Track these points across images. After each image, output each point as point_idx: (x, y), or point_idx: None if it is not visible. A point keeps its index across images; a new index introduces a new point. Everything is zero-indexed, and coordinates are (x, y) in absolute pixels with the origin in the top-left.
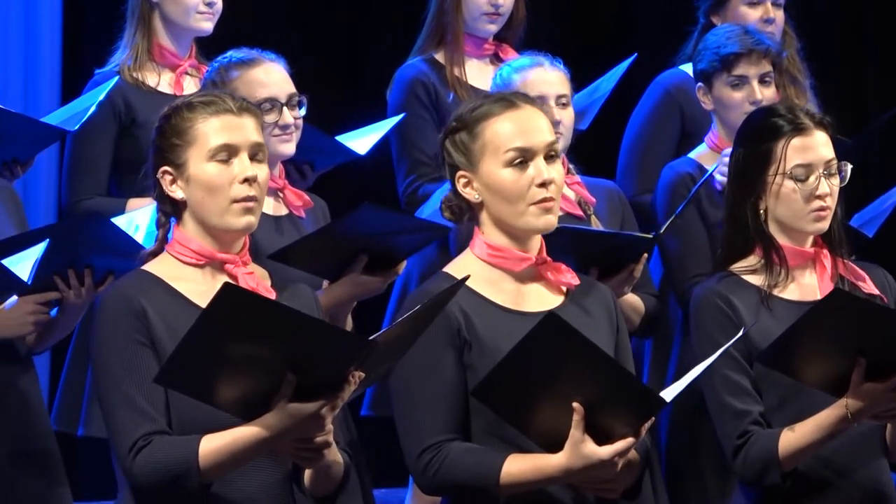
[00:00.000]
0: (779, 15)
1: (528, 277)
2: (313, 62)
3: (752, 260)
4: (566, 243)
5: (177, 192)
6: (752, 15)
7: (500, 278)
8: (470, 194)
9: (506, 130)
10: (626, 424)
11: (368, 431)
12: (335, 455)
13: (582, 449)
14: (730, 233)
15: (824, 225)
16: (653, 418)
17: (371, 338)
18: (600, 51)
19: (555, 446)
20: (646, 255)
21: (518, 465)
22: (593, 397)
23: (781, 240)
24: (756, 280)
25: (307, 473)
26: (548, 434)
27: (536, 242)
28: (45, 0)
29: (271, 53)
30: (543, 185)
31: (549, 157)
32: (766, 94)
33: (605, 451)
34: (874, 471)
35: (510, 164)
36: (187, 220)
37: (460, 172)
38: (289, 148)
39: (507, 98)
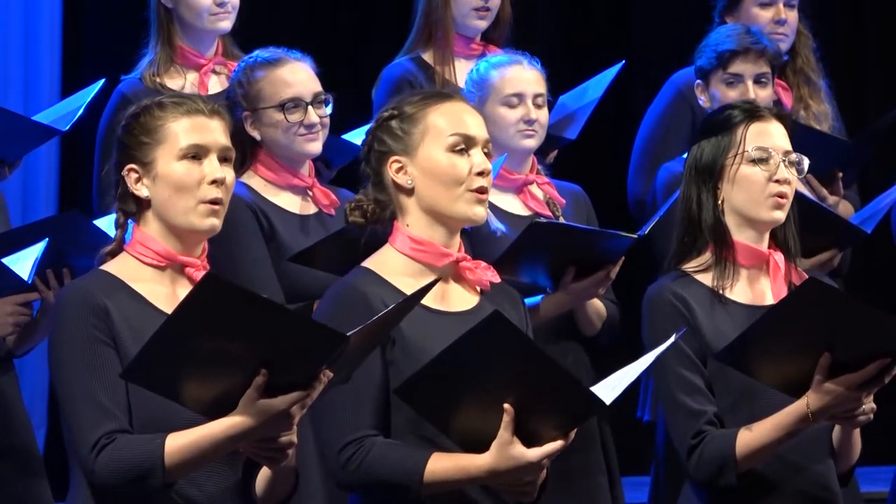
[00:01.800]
0: (791, 15)
1: (447, 275)
2: (315, 62)
3: (704, 259)
4: (546, 238)
5: (142, 190)
6: (764, 16)
7: (420, 274)
8: (402, 180)
9: (449, 117)
10: (555, 428)
11: None
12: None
13: (510, 450)
14: (682, 229)
15: (782, 215)
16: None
17: (347, 334)
18: (599, 51)
19: (475, 446)
20: (623, 257)
21: (442, 464)
22: (526, 399)
23: (737, 236)
24: (706, 279)
25: (262, 479)
26: (470, 434)
27: (458, 240)
28: (45, 0)
29: (297, 52)
30: (481, 174)
31: (484, 153)
32: (761, 95)
33: (534, 453)
34: (822, 472)
35: (452, 148)
36: (150, 220)
37: (394, 158)
38: (315, 147)
39: (446, 92)
